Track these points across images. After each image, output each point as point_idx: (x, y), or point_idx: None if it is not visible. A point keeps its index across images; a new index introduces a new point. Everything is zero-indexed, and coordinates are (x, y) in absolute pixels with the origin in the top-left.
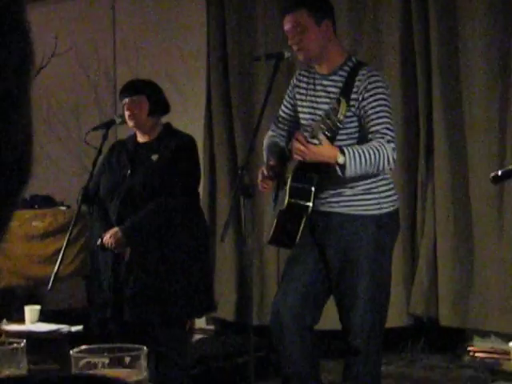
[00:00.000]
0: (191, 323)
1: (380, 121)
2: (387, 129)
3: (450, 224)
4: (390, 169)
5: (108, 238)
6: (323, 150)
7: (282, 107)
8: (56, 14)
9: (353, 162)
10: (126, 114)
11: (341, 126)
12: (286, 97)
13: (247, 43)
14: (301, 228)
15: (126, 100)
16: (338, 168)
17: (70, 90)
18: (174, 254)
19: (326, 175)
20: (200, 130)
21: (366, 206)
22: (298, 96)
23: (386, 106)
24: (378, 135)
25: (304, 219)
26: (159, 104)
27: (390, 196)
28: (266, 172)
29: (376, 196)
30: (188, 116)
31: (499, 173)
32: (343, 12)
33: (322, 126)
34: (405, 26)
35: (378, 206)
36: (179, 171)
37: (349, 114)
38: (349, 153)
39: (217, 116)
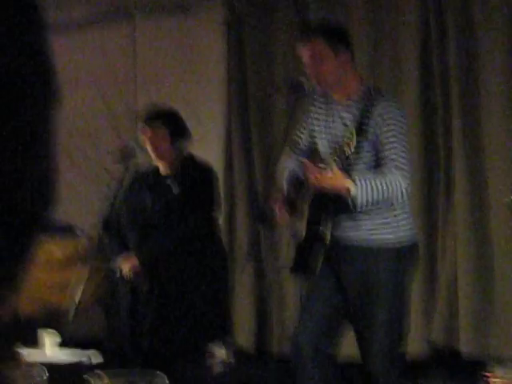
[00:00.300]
0: (211, 355)
1: (392, 146)
2: (399, 156)
3: (470, 256)
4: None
5: (127, 268)
6: (336, 181)
7: (298, 132)
8: (76, 44)
9: (364, 196)
10: (148, 145)
11: (351, 160)
12: (302, 122)
13: (267, 71)
14: (319, 259)
15: (148, 131)
16: (349, 200)
17: (90, 118)
18: (191, 285)
19: (343, 207)
20: (220, 159)
21: (384, 239)
22: (314, 122)
23: (400, 134)
24: (388, 161)
25: (322, 250)
26: (180, 133)
27: (408, 230)
28: (280, 206)
29: (395, 230)
30: (207, 144)
31: None
32: (361, 39)
33: (335, 158)
34: (423, 54)
35: (397, 240)
36: (199, 204)
37: (365, 143)
38: (361, 186)
39: (236, 144)
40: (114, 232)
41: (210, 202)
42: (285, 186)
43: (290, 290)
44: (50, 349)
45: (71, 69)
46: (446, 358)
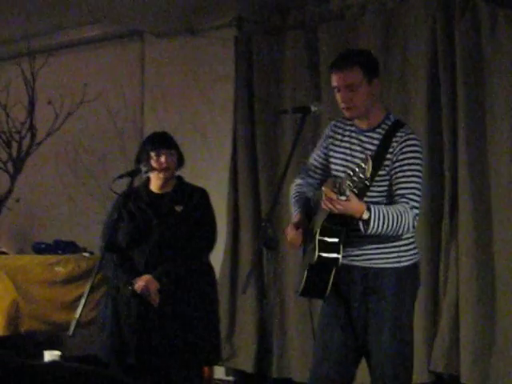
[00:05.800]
0: (211, 373)
1: (408, 185)
2: (414, 194)
3: (472, 283)
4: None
5: (142, 285)
6: (351, 205)
7: (314, 155)
8: (85, 61)
9: (376, 221)
10: (163, 165)
11: (368, 184)
12: (319, 146)
13: (274, 96)
14: (330, 280)
15: (163, 152)
16: (361, 224)
17: (97, 137)
18: (192, 304)
19: (352, 230)
20: (225, 180)
21: (385, 259)
22: (331, 146)
23: (417, 171)
24: (403, 199)
25: (333, 271)
26: (182, 160)
27: (410, 250)
28: (293, 231)
29: (395, 250)
30: (214, 167)
31: None
32: None
33: (349, 183)
34: (432, 90)
35: (398, 260)
36: (204, 222)
37: (382, 172)
38: (374, 211)
39: (242, 168)
40: (119, 249)
41: (212, 219)
42: (295, 208)
43: (292, 313)
44: None
45: (80, 87)
46: None
